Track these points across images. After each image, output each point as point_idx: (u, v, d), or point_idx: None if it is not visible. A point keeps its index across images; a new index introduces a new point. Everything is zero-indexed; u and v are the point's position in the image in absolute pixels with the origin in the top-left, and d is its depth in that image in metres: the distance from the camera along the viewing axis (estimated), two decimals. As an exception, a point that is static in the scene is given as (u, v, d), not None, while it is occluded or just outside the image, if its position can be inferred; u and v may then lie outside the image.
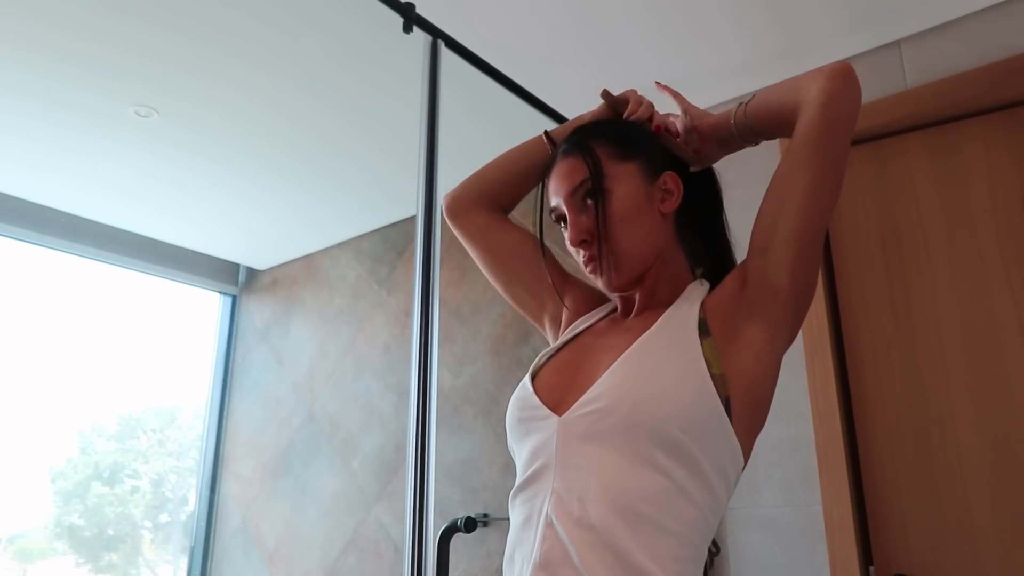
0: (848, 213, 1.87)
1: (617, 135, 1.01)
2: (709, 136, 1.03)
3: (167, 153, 2.41)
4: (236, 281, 3.43)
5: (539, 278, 1.12)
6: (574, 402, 0.90)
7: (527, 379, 0.99)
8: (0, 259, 2.73)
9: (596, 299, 1.12)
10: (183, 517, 3.15)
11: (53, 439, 2.82)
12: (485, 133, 2.23)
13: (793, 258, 0.89)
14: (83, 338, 2.89)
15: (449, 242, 1.40)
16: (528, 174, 1.16)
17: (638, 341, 0.92)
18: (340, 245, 3.10)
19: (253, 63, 1.97)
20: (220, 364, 3.34)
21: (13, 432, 2.67)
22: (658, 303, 0.99)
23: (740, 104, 1.00)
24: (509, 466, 2.28)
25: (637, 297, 1.01)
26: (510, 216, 1.20)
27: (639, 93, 1.09)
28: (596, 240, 0.95)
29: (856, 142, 1.84)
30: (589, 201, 0.96)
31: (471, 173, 1.21)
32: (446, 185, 1.31)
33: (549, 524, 0.85)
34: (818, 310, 1.81)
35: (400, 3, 1.64)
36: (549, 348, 1.06)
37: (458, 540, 2.21)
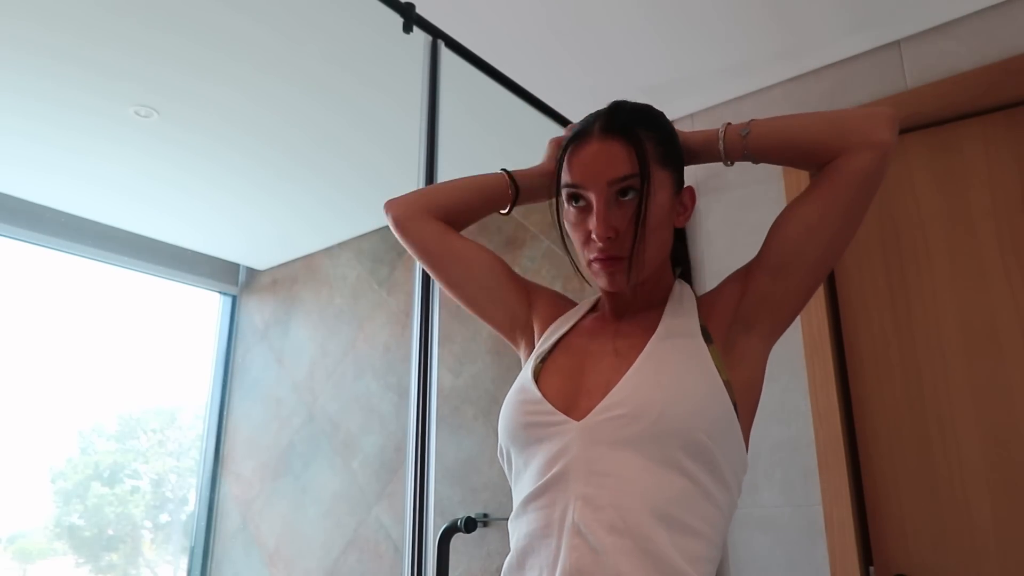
0: (848, 213, 1.87)
1: (662, 134, 0.95)
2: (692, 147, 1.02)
3: (167, 153, 2.41)
4: (236, 281, 3.43)
5: (504, 286, 1.09)
6: (589, 407, 0.89)
7: (530, 383, 0.96)
8: (0, 259, 2.73)
9: (559, 302, 1.11)
10: (183, 517, 3.15)
11: (53, 439, 2.82)
12: (485, 133, 2.23)
13: (810, 287, 0.94)
14: (83, 338, 2.89)
15: (449, 242, 1.40)
16: (477, 209, 1.11)
17: (648, 346, 0.92)
18: (340, 245, 3.10)
19: (253, 63, 1.97)
20: (220, 364, 3.34)
21: (13, 432, 2.67)
22: (650, 303, 1.00)
23: (728, 123, 0.98)
24: (509, 466, 2.27)
25: (629, 297, 1.00)
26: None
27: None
28: (631, 242, 0.91)
29: (856, 142, 1.84)
30: (625, 198, 0.91)
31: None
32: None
33: (577, 532, 0.83)
34: (818, 310, 1.81)
35: (400, 3, 1.64)
36: (538, 351, 1.02)
37: (458, 540, 2.22)
